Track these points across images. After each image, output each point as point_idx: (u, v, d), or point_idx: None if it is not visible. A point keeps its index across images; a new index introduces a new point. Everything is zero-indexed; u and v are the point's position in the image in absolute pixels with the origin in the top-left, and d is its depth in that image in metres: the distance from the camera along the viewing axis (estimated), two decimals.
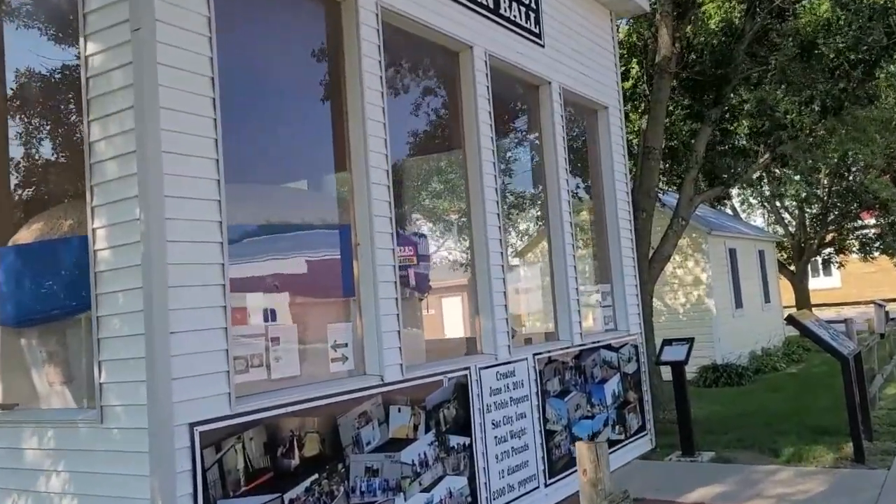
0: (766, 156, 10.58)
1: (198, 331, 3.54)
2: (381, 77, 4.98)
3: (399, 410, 4.79)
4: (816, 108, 9.57)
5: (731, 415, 10.39)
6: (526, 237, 12.42)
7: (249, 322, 3.99)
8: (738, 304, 16.41)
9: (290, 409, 3.99)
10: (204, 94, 3.71)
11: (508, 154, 8.90)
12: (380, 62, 4.99)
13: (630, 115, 12.39)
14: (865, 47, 9.24)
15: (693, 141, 10.41)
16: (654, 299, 15.06)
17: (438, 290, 11.20)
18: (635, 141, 11.49)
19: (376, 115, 4.89)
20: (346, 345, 4.62)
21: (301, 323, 4.52)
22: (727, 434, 8.99)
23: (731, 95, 10.31)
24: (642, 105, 11.13)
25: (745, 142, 10.85)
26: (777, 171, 10.88)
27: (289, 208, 4.89)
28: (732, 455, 7.89)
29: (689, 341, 7.95)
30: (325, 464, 4.16)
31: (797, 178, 18.72)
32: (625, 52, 12.16)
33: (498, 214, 6.08)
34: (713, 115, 10.22)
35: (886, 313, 14.43)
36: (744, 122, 11.07)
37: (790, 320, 7.30)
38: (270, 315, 4.28)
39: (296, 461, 3.97)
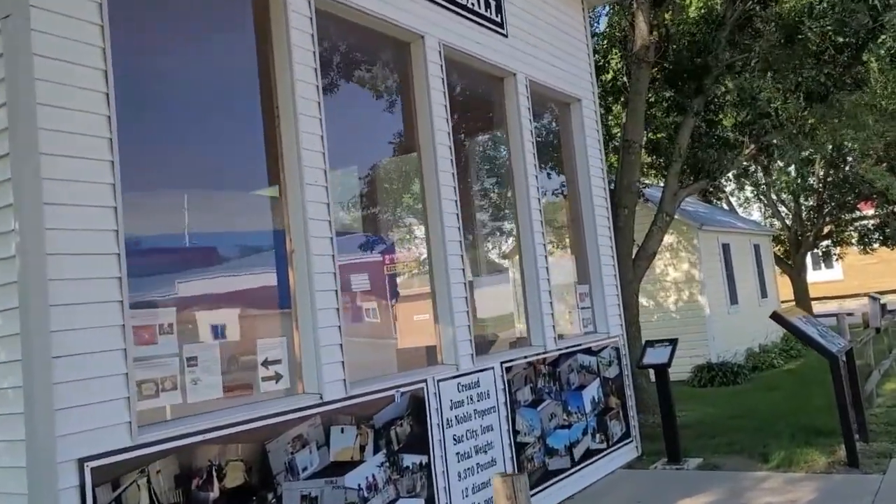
0: (752, 147, 10.19)
1: (90, 354, 3.16)
2: (315, 69, 4.60)
3: (342, 431, 4.40)
4: (801, 96, 9.18)
5: (722, 417, 9.97)
6: (513, 238, 12.03)
7: (159, 341, 3.60)
8: (733, 300, 15.98)
9: (207, 436, 3.60)
10: (94, 90, 3.33)
11: (486, 152, 8.51)
12: (314, 53, 4.61)
13: (612, 108, 12.00)
14: (850, 31, 8.84)
15: (676, 134, 10.01)
16: (644, 298, 14.67)
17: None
18: (619, 135, 11.09)
19: (310, 111, 4.51)
20: (280, 361, 4.23)
21: (227, 339, 4.14)
22: (717, 438, 8.57)
23: (714, 85, 9.91)
24: (622, 98, 10.74)
25: (730, 133, 10.44)
26: (765, 162, 10.45)
27: (214, 213, 4.50)
28: (721, 461, 7.48)
29: (673, 343, 7.56)
30: (252, 494, 3.77)
31: (789, 168, 18.28)
32: (605, 43, 11.79)
33: (457, 215, 5.70)
34: (695, 106, 9.82)
35: (883, 306, 13.99)
36: (728, 112, 10.67)
37: (775, 318, 6.90)
38: (190, 332, 3.90)
39: (215, 493, 3.58)
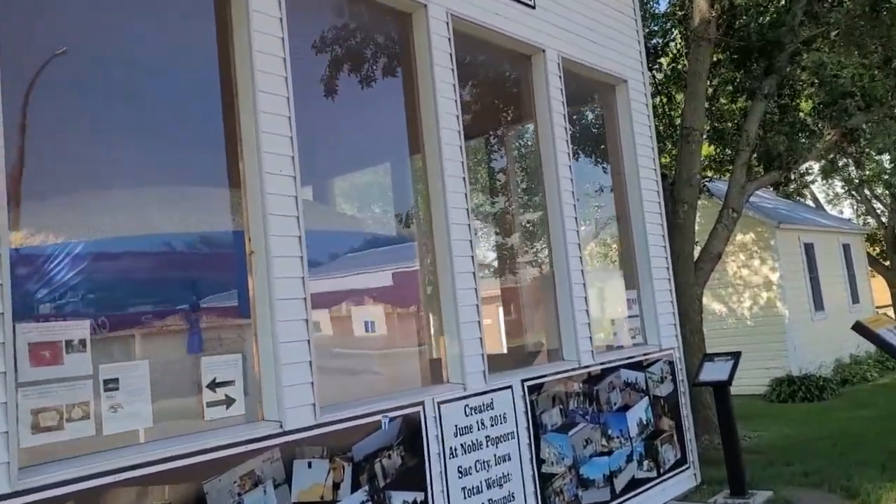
0: (833, 133, 8.99)
1: None
2: (282, 39, 3.94)
3: (309, 466, 3.70)
4: (891, 73, 7.98)
5: (801, 439, 8.82)
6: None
7: (65, 361, 3.00)
8: (818, 306, 14.56)
9: (122, 476, 2.97)
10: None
11: (523, 142, 7.70)
12: (280, 20, 3.95)
13: (674, 96, 10.96)
14: None
15: (744, 120, 8.93)
16: (715, 303, 13.49)
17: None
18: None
19: (272, 87, 3.85)
20: (233, 383, 3.57)
21: (160, 358, 3.52)
22: (792, 466, 7.49)
23: (788, 64, 8.78)
24: (685, 83, 9.72)
25: (807, 118, 9.28)
26: (850, 150, 9.24)
27: (159, 212, 3.89)
28: (794, 495, 6.43)
29: (735, 356, 6.56)
30: None
31: (881, 157, 16.59)
32: (667, 24, 10.78)
33: (467, 210, 4.94)
34: (766, 88, 8.71)
35: None
36: (804, 94, 9.49)
37: (858, 329, 5.83)
38: (116, 349, 3.29)
39: None
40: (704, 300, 13.17)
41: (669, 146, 10.72)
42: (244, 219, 3.80)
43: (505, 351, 6.73)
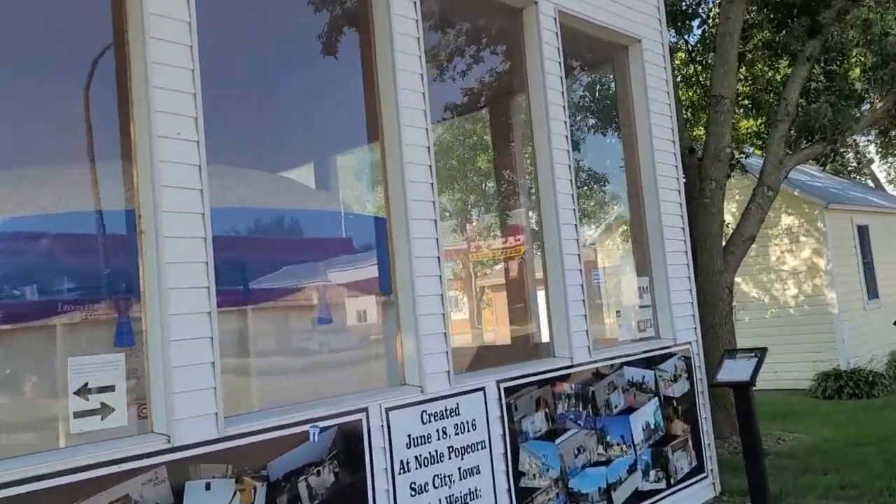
0: (888, 100, 7.96)
1: None
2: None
3: (208, 487, 3.10)
4: None
5: (843, 443, 7.92)
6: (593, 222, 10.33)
7: None
8: (872, 294, 13.41)
9: None
10: None
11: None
12: None
13: (710, 62, 10.01)
14: None
15: (783, 87, 7.98)
16: (755, 290, 12.51)
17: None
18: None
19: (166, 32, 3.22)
20: (112, 388, 2.98)
21: (29, 358, 2.95)
22: (829, 475, 6.64)
23: (834, 23, 7.78)
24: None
25: (857, 83, 8.27)
26: None
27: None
28: None
29: (760, 353, 5.74)
30: None
31: None
32: None
33: (432, 185, 4.25)
34: (808, 51, 7.75)
35: None
36: (853, 58, 8.46)
37: None
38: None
39: None
40: (743, 287, 12.25)
41: (705, 118, 9.81)
42: (136, 194, 3.19)
43: (491, 344, 6.05)
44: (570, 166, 5.22)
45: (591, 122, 9.01)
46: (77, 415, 2.89)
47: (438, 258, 4.20)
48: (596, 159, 9.11)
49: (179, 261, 3.12)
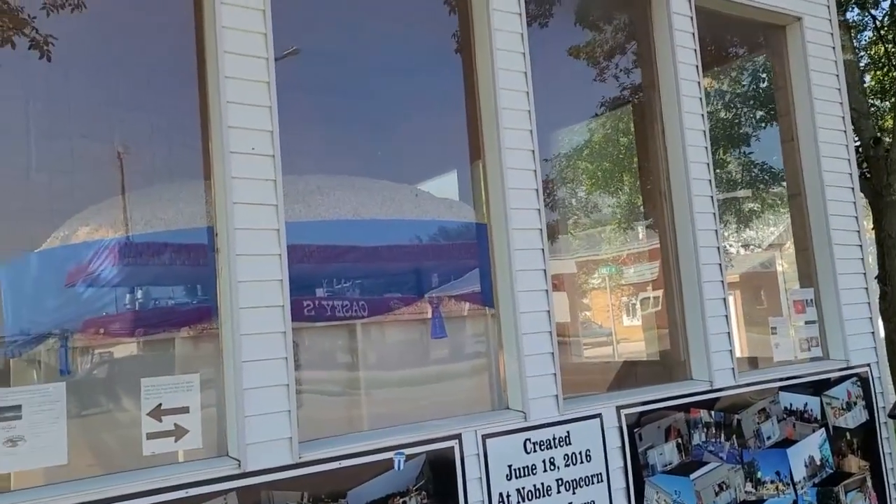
0: None
1: None
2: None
3: None
4: None
5: None
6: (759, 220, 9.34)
7: None
8: None
9: None
10: None
11: None
12: None
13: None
14: None
15: None
16: None
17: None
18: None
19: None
20: (186, 410, 2.94)
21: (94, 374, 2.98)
22: None
23: None
24: None
25: None
26: None
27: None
28: None
29: None
30: None
31: None
32: None
33: (537, 191, 3.91)
34: None
35: None
36: None
37: None
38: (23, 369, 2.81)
39: None
40: None
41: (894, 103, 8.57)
42: (213, 210, 3.15)
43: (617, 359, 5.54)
44: (708, 165, 4.64)
45: (759, 114, 8.18)
46: (150, 436, 2.87)
47: (544, 271, 3.84)
48: (767, 154, 8.24)
49: (253, 279, 3.04)
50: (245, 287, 3.01)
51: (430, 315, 4.62)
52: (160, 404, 2.90)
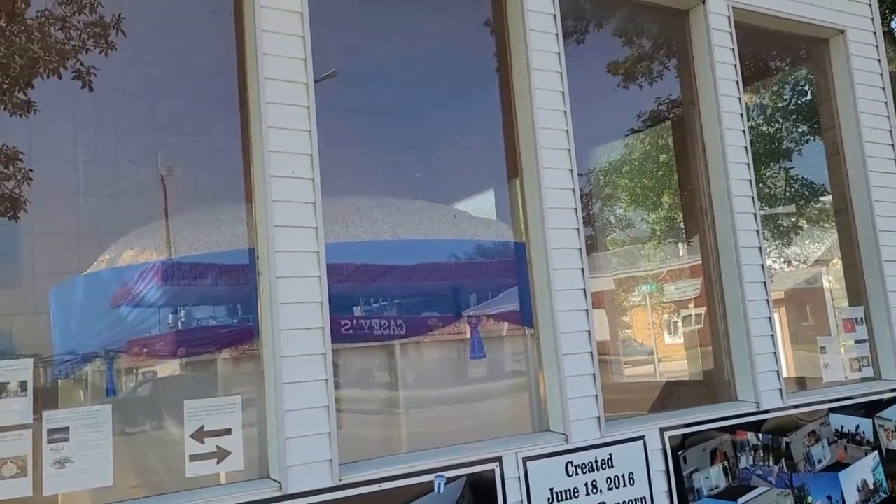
0: None
1: None
2: None
3: None
4: None
5: None
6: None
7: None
8: None
9: None
10: None
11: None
12: None
13: None
14: None
15: None
16: None
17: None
18: None
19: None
20: (229, 432, 2.97)
21: (150, 395, 3.02)
22: None
23: None
24: None
25: None
26: None
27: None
28: None
29: None
30: None
31: None
32: None
33: (576, 210, 3.88)
34: None
35: None
36: None
37: None
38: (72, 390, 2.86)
39: None
40: None
41: None
42: (253, 232, 3.20)
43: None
44: (751, 181, 4.56)
45: (802, 128, 8.04)
46: (193, 458, 2.89)
47: (584, 290, 3.80)
48: (810, 169, 8.10)
49: (293, 301, 3.06)
50: (286, 309, 3.03)
51: (468, 335, 4.60)
52: (203, 426, 2.92)
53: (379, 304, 4.46)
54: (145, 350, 4.18)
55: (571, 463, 3.61)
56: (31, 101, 3.84)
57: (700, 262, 5.09)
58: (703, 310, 5.25)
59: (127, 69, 4.56)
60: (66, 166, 4.97)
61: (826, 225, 8.67)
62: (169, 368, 3.97)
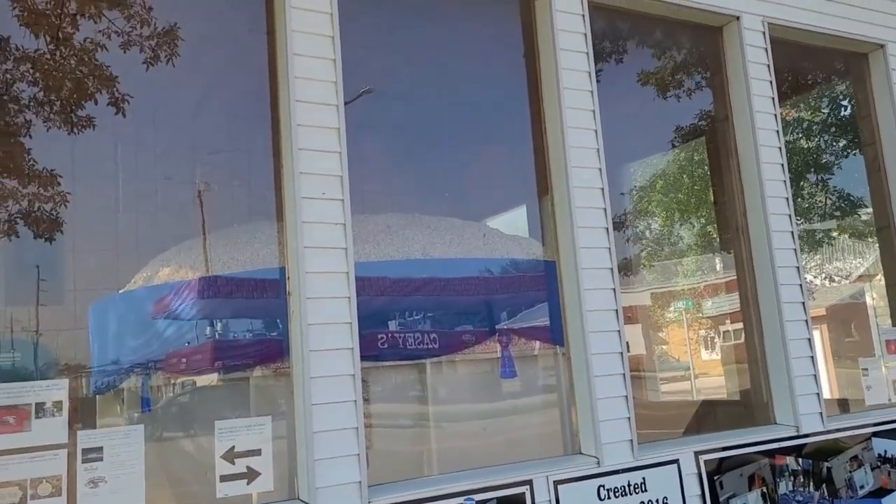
0: None
1: None
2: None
3: None
4: None
5: None
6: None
7: (33, 427, 2.64)
8: None
9: None
10: None
11: None
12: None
13: None
14: None
15: None
16: None
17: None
18: None
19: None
20: (258, 452, 2.98)
21: (182, 413, 3.05)
22: None
23: None
24: None
25: None
26: None
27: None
28: None
29: None
30: None
31: None
32: None
33: (607, 229, 3.84)
34: None
35: None
36: None
37: None
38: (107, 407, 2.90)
39: None
40: None
41: None
42: (284, 249, 3.22)
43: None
44: (787, 199, 4.47)
45: (842, 143, 7.87)
46: (223, 478, 2.92)
47: (616, 311, 3.76)
48: (849, 184, 7.91)
49: (323, 321, 3.07)
50: (315, 330, 3.05)
51: (499, 354, 4.58)
52: (233, 447, 2.95)
53: (413, 316, 4.47)
54: (181, 365, 4.24)
55: (603, 486, 3.56)
56: (90, 117, 3.93)
57: (735, 277, 5.00)
58: (740, 325, 5.15)
59: (167, 89, 4.65)
60: (107, 184, 5.08)
61: (869, 240, 8.44)
62: (202, 387, 4.02)
